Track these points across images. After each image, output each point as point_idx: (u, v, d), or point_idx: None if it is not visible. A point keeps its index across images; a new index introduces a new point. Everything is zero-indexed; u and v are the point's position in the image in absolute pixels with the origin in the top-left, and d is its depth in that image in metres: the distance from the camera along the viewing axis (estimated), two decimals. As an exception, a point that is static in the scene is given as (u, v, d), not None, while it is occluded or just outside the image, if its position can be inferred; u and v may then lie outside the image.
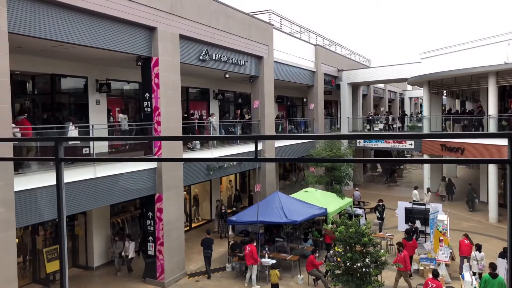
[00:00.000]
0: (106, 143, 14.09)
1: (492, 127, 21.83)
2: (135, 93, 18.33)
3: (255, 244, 14.41)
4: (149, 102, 14.28)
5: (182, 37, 15.20)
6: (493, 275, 10.82)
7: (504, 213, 20.97)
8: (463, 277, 12.59)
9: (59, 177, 2.62)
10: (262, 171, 20.97)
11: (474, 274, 12.64)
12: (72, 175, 10.91)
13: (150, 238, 14.41)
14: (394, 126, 29.63)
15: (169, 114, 14.49)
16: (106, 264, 15.93)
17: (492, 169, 21.01)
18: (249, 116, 23.89)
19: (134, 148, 15.33)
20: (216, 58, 17.43)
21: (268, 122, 21.24)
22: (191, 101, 21.42)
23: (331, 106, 37.24)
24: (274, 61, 22.04)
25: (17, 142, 10.39)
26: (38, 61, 13.47)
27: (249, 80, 20.99)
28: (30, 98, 14.62)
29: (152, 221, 14.33)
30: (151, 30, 13.96)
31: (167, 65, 14.41)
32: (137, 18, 13.22)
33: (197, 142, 17.49)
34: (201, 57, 16.54)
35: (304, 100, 32.41)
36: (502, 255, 12.64)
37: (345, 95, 31.75)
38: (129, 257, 14.95)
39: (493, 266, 11.17)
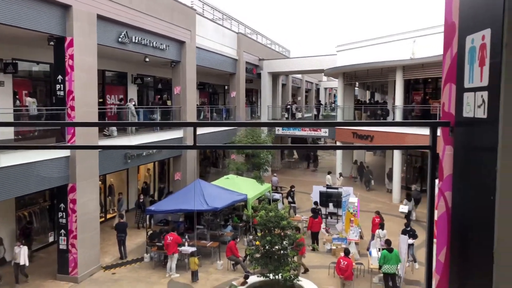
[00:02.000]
0: (11, 129, 13.03)
1: (398, 117, 23.74)
2: (45, 75, 17.08)
3: (175, 232, 14.39)
4: (62, 85, 13.43)
5: (99, 17, 14.46)
6: (389, 250, 12.03)
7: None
8: (370, 254, 13.75)
9: None
10: (182, 159, 20.81)
11: (378, 250, 13.83)
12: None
13: (62, 231, 13.65)
14: (297, 116, 31.15)
15: (84, 99, 13.77)
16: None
17: (397, 155, 22.91)
18: (170, 102, 23.50)
19: (45, 135, 14.38)
20: (136, 41, 16.84)
21: (190, 109, 21.06)
22: (107, 85, 20.46)
23: (252, 94, 37.83)
24: (197, 47, 21.82)
25: None
26: None
27: (170, 65, 20.58)
28: None
29: (64, 213, 13.57)
30: (66, 8, 13.10)
31: (82, 46, 13.63)
32: (49, -6, 12.32)
33: (114, 129, 16.85)
34: (119, 39, 15.88)
35: (226, 87, 32.57)
36: (404, 231, 14.01)
37: (266, 84, 32.46)
38: (21, 264, 12.75)
39: (388, 242, 12.43)
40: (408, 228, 14.28)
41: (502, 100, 1.93)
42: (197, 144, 2.74)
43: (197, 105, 23.73)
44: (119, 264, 14.94)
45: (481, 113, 2.13)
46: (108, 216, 19.92)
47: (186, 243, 14.68)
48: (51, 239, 16.34)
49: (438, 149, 2.65)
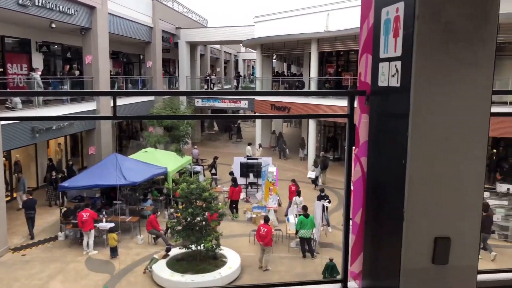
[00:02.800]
0: None
1: (313, 88, 24.66)
2: None
3: (89, 208, 13.79)
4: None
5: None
6: (306, 215, 12.72)
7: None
8: (288, 220, 14.39)
9: None
10: (96, 132, 19.78)
11: (295, 216, 14.50)
12: None
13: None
14: (214, 88, 31.18)
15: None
16: None
17: (311, 126, 23.88)
18: (79, 72, 22.00)
19: None
20: (40, 4, 15.41)
21: (103, 79, 19.94)
22: (7, 53, 18.53)
23: (169, 64, 36.71)
24: (109, 13, 20.53)
25: None
26: None
27: (80, 32, 19.17)
28: None
29: (-36, 192, 12.37)
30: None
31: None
32: None
33: (18, 100, 15.44)
34: (20, 1, 14.39)
35: (142, 57, 31.21)
36: (319, 197, 14.84)
37: (183, 54, 31.67)
38: None
39: (304, 208, 13.12)
40: (323, 194, 15.12)
41: (413, 69, 2.06)
42: (117, 115, 2.60)
43: (110, 75, 22.51)
44: (30, 244, 14.01)
45: (395, 82, 2.27)
46: (15, 194, 18.41)
47: (104, 219, 14.16)
48: None
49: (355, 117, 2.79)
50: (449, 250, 2.14)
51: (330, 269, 10.54)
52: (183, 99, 27.08)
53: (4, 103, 14.91)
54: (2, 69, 17.50)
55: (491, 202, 14.48)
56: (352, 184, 2.85)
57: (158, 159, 17.08)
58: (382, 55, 2.44)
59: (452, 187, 2.14)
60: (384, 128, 2.46)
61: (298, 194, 15.40)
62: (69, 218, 14.52)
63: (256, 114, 27.96)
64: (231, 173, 18.01)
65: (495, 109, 2.18)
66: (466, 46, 2.05)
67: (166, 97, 24.59)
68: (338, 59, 27.69)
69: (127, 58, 31.48)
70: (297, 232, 12.91)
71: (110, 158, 16.02)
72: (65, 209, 15.22)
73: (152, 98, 25.46)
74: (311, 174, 19.87)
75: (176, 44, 31.57)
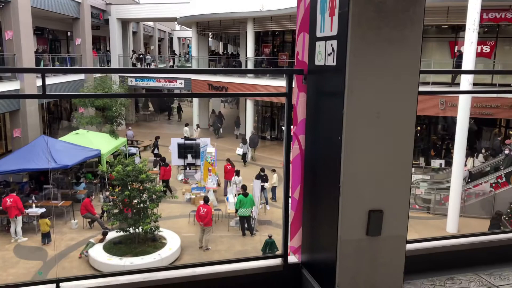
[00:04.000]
0: None
1: (250, 68, 24.72)
2: None
3: (15, 193, 12.96)
4: None
5: None
6: (245, 194, 12.92)
7: (260, 143, 24.57)
8: (227, 199, 14.50)
9: None
10: (21, 113, 18.46)
11: (235, 195, 14.64)
12: None
13: None
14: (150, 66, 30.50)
15: None
16: None
17: (249, 106, 24.03)
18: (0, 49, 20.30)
19: None
20: None
21: (27, 57, 18.54)
22: None
23: (100, 42, 34.90)
24: (30, -15, 18.96)
25: None
26: None
27: (-3, 5, 17.57)
28: None
29: None
30: None
31: None
32: None
33: None
34: None
35: (69, 34, 29.34)
36: (257, 177, 15.04)
37: (115, 31, 30.23)
38: None
39: (244, 188, 13.29)
40: (262, 173, 15.35)
41: (348, 48, 2.12)
42: (46, 93, 2.44)
43: (35, 53, 20.97)
44: None
45: (331, 61, 2.33)
46: None
47: (34, 205, 13.39)
48: None
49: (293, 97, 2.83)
50: (381, 222, 2.28)
51: (269, 246, 10.81)
52: (116, 78, 25.96)
53: None
54: None
55: (415, 176, 15.55)
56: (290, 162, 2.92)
57: (91, 141, 16.34)
58: (318, 34, 2.48)
59: (384, 162, 2.27)
60: (321, 106, 2.54)
61: (237, 173, 15.52)
62: (-7, 205, 13.56)
63: (194, 93, 27.55)
64: (157, 155, 17.84)
65: (420, 88, 2.33)
66: (396, 26, 2.15)
67: (97, 76, 23.41)
68: (274, 39, 27.87)
69: (53, 34, 29.49)
70: (236, 211, 13.06)
71: (38, 140, 15.09)
72: (-13, 195, 14.20)
73: (82, 77, 24.09)
74: (239, 151, 20.65)
75: (107, 21, 30.01)
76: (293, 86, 2.81)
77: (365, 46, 2.14)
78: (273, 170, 16.25)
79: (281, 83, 19.78)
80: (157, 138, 20.25)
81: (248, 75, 23.20)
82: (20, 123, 18.46)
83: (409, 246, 2.44)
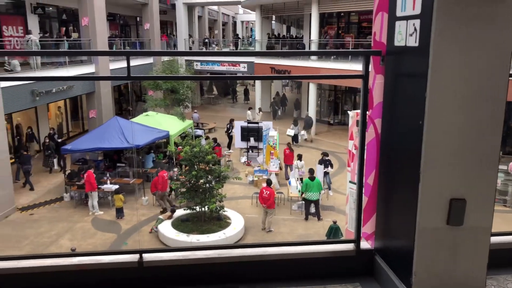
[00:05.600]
0: None
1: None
2: None
3: (92, 170, 13.92)
4: None
5: None
6: (312, 178, 12.82)
7: (321, 128, 24.28)
8: (289, 183, 14.54)
9: None
10: (96, 95, 19.64)
11: (297, 179, 14.65)
12: None
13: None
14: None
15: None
16: None
17: (312, 89, 23.69)
18: (77, 35, 21.60)
19: None
20: (32, -36, 14.88)
21: (101, 42, 19.58)
22: (1, 15, 18.12)
23: (167, 27, 35.98)
24: (103, -27, 19.88)
25: None
26: None
27: (75, -7, 18.66)
28: None
29: (-30, 155, 12.45)
30: None
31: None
32: None
33: (16, 63, 15.24)
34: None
35: (138, 19, 30.53)
36: (320, 162, 14.91)
37: (181, 16, 30.97)
38: None
39: (311, 171, 13.18)
40: (326, 158, 15.16)
41: (433, 28, 2.02)
42: (131, 75, 2.58)
43: (108, 37, 22.10)
44: (37, 205, 14.26)
45: (413, 42, 2.24)
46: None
47: (108, 181, 14.32)
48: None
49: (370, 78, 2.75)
50: (464, 211, 2.19)
51: (333, 231, 10.72)
52: (182, 62, 26.70)
53: (1, 65, 14.72)
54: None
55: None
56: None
57: (160, 123, 17.05)
58: (399, 13, 2.39)
59: (469, 149, 2.16)
60: (401, 89, 2.45)
61: (299, 157, 15.49)
62: (74, 180, 14.71)
63: (260, 75, 27.69)
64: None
65: (512, 70, 2.17)
66: (485, 2, 2.01)
67: (165, 59, 24.23)
68: (339, 20, 27.11)
69: (124, 20, 30.84)
70: (302, 194, 13.06)
71: (112, 121, 16.01)
72: (69, 171, 15.39)
73: (150, 60, 25.06)
74: (290, 132, 20.67)
75: (174, 6, 30.81)
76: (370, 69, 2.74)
77: (451, 25, 2.03)
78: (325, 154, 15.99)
79: (346, 66, 19.27)
80: (231, 120, 20.52)
81: (311, 57, 22.83)
82: (95, 105, 19.65)
83: (493, 239, 2.31)
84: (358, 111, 3.23)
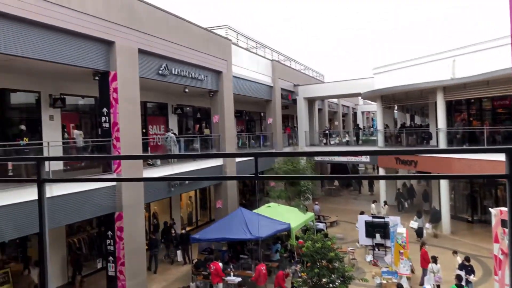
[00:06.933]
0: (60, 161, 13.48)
1: (442, 140, 22.83)
2: (90, 108, 17.58)
3: (219, 262, 14.15)
4: (107, 118, 13.75)
5: (141, 51, 14.86)
6: (460, 286, 11.18)
7: (457, 225, 21.79)
8: (425, 289, 12.90)
9: (41, 199, 2.48)
10: (223, 186, 20.72)
11: (433, 286, 12.97)
12: (25, 194, 10.15)
13: (110, 258, 13.77)
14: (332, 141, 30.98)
15: (128, 130, 14.03)
16: (62, 286, 15.02)
17: (444, 182, 21.79)
18: (209, 131, 23.64)
19: (92, 165, 14.66)
20: (176, 73, 17.15)
21: (229, 137, 21.11)
22: (149, 116, 20.88)
23: (288, 120, 37.70)
24: (233, 76, 22.03)
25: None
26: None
27: (208, 94, 20.82)
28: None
29: (112, 241, 13.72)
30: (109, 44, 13.53)
31: (126, 80, 13.98)
32: (95, 32, 12.78)
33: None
34: (160, 71, 16.22)
35: (262, 114, 32.61)
36: (461, 267, 13.02)
37: (302, 109, 32.31)
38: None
39: (459, 278, 11.54)
40: (467, 263, 13.18)
41: None
42: (259, 175, 2.54)
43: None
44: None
45: None
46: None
47: (232, 273, 14.39)
48: (99, 265, 16.42)
49: None
50: None
51: None
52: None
53: (146, 160, 16.55)
54: (144, 130, 19.62)
55: None
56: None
57: (281, 214, 17.09)
58: None
59: None
60: None
61: (434, 260, 13.81)
62: (200, 270, 15.09)
63: (379, 172, 26.72)
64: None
65: None
66: None
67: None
68: (468, 107, 25.51)
69: (249, 116, 33.19)
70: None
71: (236, 212, 16.50)
72: (195, 260, 15.91)
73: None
74: (413, 224, 19.05)
75: (295, 101, 32.43)
76: None
77: None
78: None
79: (484, 156, 17.29)
80: (362, 212, 19.62)
81: (441, 146, 21.45)
82: (222, 195, 20.66)
83: None
84: (502, 208, 2.70)
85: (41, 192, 2.46)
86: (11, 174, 10.98)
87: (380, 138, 27.96)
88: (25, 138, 13.38)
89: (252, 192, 29.59)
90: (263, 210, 18.00)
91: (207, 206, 25.12)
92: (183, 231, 19.02)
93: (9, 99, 14.16)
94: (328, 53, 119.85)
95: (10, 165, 11.09)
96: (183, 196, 22.61)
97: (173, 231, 18.61)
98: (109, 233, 13.79)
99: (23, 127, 13.89)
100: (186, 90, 18.70)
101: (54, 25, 11.30)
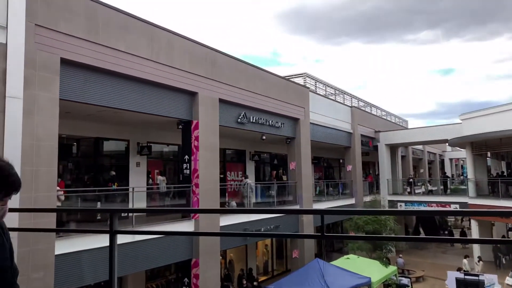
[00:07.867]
0: (144, 205, 14.18)
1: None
2: (174, 155, 18.57)
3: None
4: (188, 164, 14.35)
5: (221, 101, 15.53)
6: None
7: None
8: None
9: (112, 249, 2.57)
10: (300, 235, 20.27)
11: None
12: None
13: (185, 305, 13.87)
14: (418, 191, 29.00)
15: (207, 176, 14.47)
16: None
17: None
18: (285, 177, 23.60)
19: (172, 211, 15.21)
20: (253, 121, 17.59)
21: (305, 184, 20.85)
22: (228, 163, 21.49)
23: (369, 167, 36.50)
24: (310, 123, 22.05)
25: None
26: (84, 125, 13.95)
27: (285, 141, 20.96)
28: (74, 160, 14.99)
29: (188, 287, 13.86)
30: (193, 95, 14.35)
31: (206, 128, 14.61)
32: (180, 84, 13.66)
33: (234, 203, 17.31)
34: (239, 119, 16.75)
35: (341, 161, 31.97)
36: None
37: (383, 156, 31.15)
38: None
39: None
40: None
41: None
42: (325, 234, 2.39)
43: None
44: None
45: None
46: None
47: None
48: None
49: None
50: None
51: None
52: (385, 202, 25.96)
53: (222, 205, 16.84)
54: (222, 176, 20.14)
55: None
56: None
57: (361, 268, 16.15)
58: None
59: None
60: None
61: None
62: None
63: (472, 223, 24.49)
64: None
65: None
66: None
67: (367, 200, 24.02)
68: None
69: (328, 162, 32.69)
70: None
71: (313, 263, 15.91)
72: (269, 312, 15.43)
73: (352, 201, 25.22)
74: (509, 281, 16.96)
75: (376, 147, 31.44)
76: None
77: None
78: None
79: None
80: (459, 269, 18.02)
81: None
82: (298, 245, 20.16)
83: None
84: None
85: (112, 243, 2.58)
86: (99, 218, 11.70)
87: (471, 187, 25.82)
88: (115, 183, 14.46)
89: (330, 243, 28.55)
90: (341, 262, 17.20)
91: (283, 255, 24.61)
92: (255, 283, 18.66)
93: (102, 147, 15.49)
94: (409, 98, 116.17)
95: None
96: (259, 244, 22.44)
97: (244, 282, 18.32)
98: (186, 280, 13.96)
99: (113, 172, 15.02)
100: (264, 137, 19.04)
101: (143, 78, 12.30)
